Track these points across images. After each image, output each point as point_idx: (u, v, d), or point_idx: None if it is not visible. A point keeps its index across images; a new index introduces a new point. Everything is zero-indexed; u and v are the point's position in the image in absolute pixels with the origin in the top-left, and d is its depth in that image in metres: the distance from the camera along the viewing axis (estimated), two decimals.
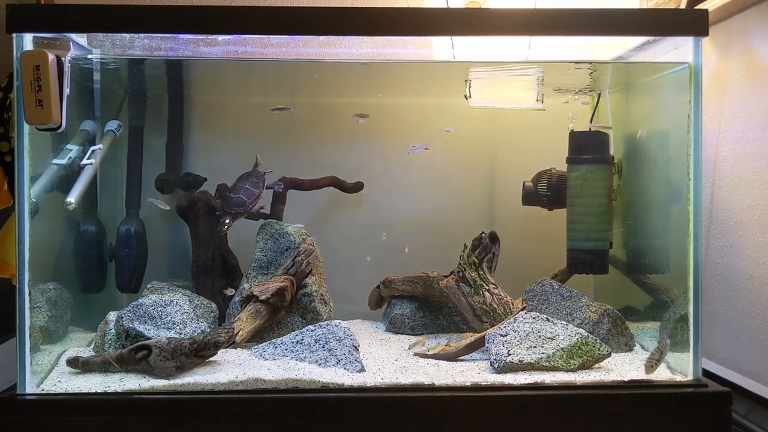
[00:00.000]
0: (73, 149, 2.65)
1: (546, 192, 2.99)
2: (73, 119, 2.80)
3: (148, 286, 2.75)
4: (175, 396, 2.16)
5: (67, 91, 2.23)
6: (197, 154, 3.17)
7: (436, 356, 2.54)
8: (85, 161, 2.63)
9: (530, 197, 3.03)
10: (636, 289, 2.96)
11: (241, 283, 2.78)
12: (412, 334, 2.89)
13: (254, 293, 2.59)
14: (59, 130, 2.22)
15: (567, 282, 2.96)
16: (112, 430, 2.14)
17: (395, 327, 2.88)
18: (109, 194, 3.02)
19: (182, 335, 2.44)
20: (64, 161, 2.58)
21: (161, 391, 2.18)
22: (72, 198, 2.47)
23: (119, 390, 2.18)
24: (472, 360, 2.51)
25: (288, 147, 3.20)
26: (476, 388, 2.24)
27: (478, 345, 2.50)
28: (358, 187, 3.16)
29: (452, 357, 2.52)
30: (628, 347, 2.64)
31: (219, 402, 2.16)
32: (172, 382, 2.19)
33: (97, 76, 2.74)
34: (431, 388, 2.24)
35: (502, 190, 3.22)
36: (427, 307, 2.91)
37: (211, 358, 2.33)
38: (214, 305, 2.76)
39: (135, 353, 2.26)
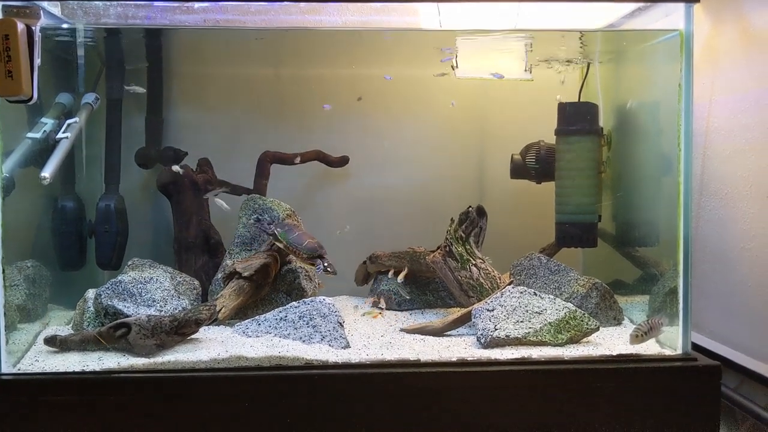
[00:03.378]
0: (48, 123, 2.58)
1: (534, 165, 2.96)
2: (48, 92, 2.71)
3: (129, 263, 2.70)
4: (155, 374, 2.11)
5: (38, 61, 2.14)
6: (178, 127, 3.10)
7: (422, 331, 2.49)
8: (60, 135, 2.55)
9: (518, 170, 3.01)
10: (625, 263, 2.93)
11: (224, 260, 2.74)
12: (399, 310, 2.86)
13: (237, 270, 2.56)
14: (30, 102, 2.13)
15: (555, 256, 2.93)
16: (91, 410, 2.08)
17: (382, 303, 2.86)
18: (88, 169, 2.94)
19: (163, 313, 2.39)
20: (38, 135, 2.51)
21: (141, 369, 2.13)
22: (47, 173, 2.39)
23: (98, 369, 2.12)
24: (459, 335, 2.48)
25: (272, 120, 3.15)
26: (462, 363, 2.20)
27: (464, 320, 2.47)
28: (343, 161, 3.10)
29: (439, 332, 2.48)
30: (617, 321, 2.62)
31: (200, 380, 2.11)
32: (152, 360, 2.14)
33: (81, 52, 2.66)
34: (417, 364, 2.20)
35: (491, 164, 3.18)
36: (413, 282, 2.88)
37: (192, 336, 2.30)
38: (196, 282, 2.71)
39: (114, 331, 2.21)
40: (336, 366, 2.17)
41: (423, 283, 2.88)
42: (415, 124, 3.17)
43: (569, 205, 2.82)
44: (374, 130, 3.16)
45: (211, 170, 2.94)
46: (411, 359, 2.21)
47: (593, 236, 2.83)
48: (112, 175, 2.91)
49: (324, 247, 2.54)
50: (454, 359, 2.21)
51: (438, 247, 2.70)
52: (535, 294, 2.42)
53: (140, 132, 3.05)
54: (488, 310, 2.37)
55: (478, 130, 3.22)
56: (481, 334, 2.31)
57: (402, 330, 2.53)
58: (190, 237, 2.86)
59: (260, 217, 2.67)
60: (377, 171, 3.17)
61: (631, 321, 2.66)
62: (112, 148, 2.92)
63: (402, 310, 2.85)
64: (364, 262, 3.02)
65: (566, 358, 2.23)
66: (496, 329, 2.30)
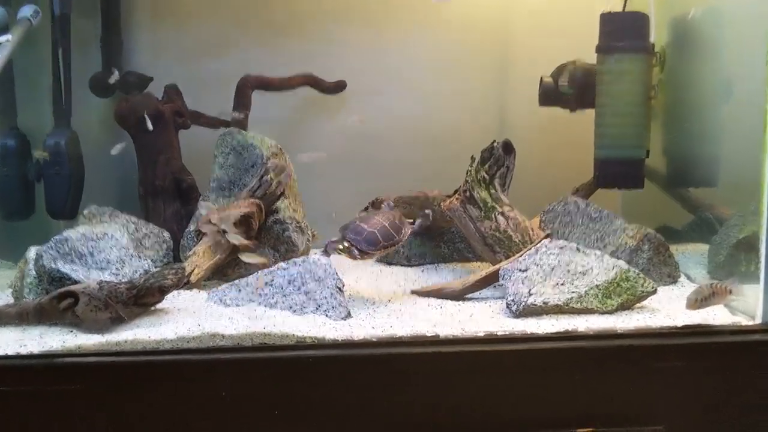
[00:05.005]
0: None
1: (568, 89, 2.56)
2: None
3: (85, 212, 2.39)
4: (108, 358, 1.72)
5: None
6: (140, 48, 2.72)
7: (438, 294, 2.12)
8: None
9: (549, 96, 2.60)
10: (671, 206, 2.60)
11: (198, 209, 2.37)
12: (408, 266, 2.50)
13: (212, 221, 2.20)
14: None
15: (590, 198, 2.53)
16: (29, 402, 1.69)
17: (387, 257, 2.50)
18: (34, 100, 2.56)
19: (119, 277, 2.05)
20: None
21: (91, 351, 1.73)
22: None
23: (37, 351, 1.72)
24: (483, 299, 2.10)
25: (253, 36, 2.74)
26: (491, 339, 1.81)
27: (490, 280, 2.09)
28: (339, 86, 2.75)
29: (458, 295, 2.11)
30: (672, 279, 2.23)
31: (165, 364, 1.73)
32: (105, 339, 1.75)
33: None
34: (435, 341, 1.80)
35: (515, 89, 2.83)
36: (425, 233, 2.49)
37: (156, 306, 1.94)
38: (166, 234, 2.40)
39: (57, 302, 1.84)
40: (334, 345, 1.78)
41: (436, 233, 2.51)
42: (424, 43, 2.79)
43: (612, 138, 2.43)
44: (376, 52, 2.79)
45: (181, 99, 2.57)
46: (427, 335, 1.81)
47: (640, 175, 2.44)
48: (61, 106, 2.50)
49: (388, 236, 2.02)
50: (480, 334, 1.82)
51: (455, 191, 2.30)
52: (578, 249, 2.01)
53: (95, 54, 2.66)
54: (520, 270, 1.98)
55: (499, 48, 2.82)
56: (512, 300, 1.92)
57: (413, 292, 2.16)
58: (157, 180, 2.49)
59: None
60: (380, 99, 2.79)
61: (688, 278, 2.27)
62: (61, 74, 2.50)
63: (411, 266, 2.49)
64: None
65: (620, 331, 1.83)
66: (530, 294, 1.92)
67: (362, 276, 2.36)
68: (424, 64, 2.80)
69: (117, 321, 1.83)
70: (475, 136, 2.49)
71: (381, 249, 2.02)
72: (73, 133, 2.49)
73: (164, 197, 2.48)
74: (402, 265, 2.48)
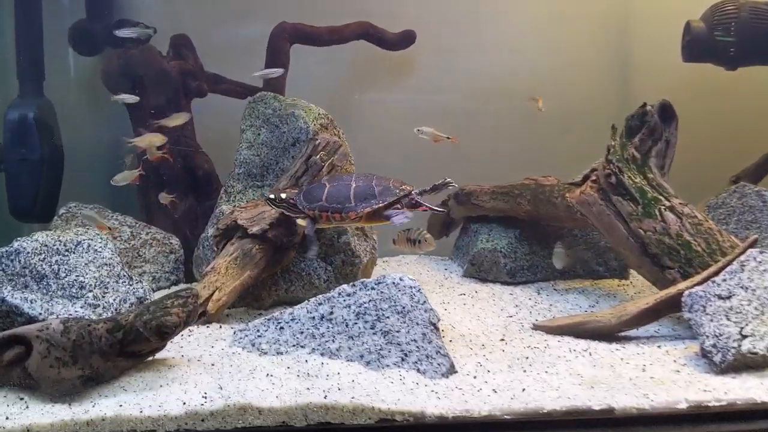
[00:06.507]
0: None
1: (727, 37, 2.12)
2: None
3: (61, 211, 2.01)
4: None
5: None
6: None
7: (578, 331, 1.50)
8: None
9: (699, 47, 2.16)
10: None
11: (218, 204, 1.99)
12: (512, 283, 1.92)
13: (239, 223, 1.78)
14: None
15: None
16: None
17: (481, 271, 2.01)
18: None
19: (98, 311, 1.57)
20: None
21: None
22: None
23: None
24: (649, 338, 1.51)
25: None
26: (701, 414, 1.18)
27: (662, 310, 1.49)
28: (406, 39, 2.35)
29: (610, 332, 1.50)
30: None
31: None
32: (72, 412, 1.23)
33: None
34: (608, 419, 1.18)
35: (643, 38, 2.40)
36: (534, 236, 2.02)
37: (155, 356, 1.44)
38: (175, 241, 2.04)
39: (0, 353, 1.37)
40: (442, 425, 1.18)
41: (553, 238, 1.99)
42: None
43: None
44: None
45: (193, 54, 2.22)
46: (593, 408, 1.18)
47: None
48: (29, 68, 2.16)
49: (337, 199, 1.58)
50: (681, 406, 1.19)
51: (586, 177, 1.75)
52: None
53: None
54: (720, 296, 1.40)
55: None
56: (714, 346, 1.34)
57: (537, 327, 1.58)
58: (162, 167, 2.14)
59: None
60: (460, 56, 2.44)
61: None
62: (28, 24, 2.16)
63: (516, 283, 1.97)
64: (446, 201, 2.21)
65: None
66: (743, 335, 1.33)
67: (451, 300, 1.79)
68: (523, 12, 2.41)
69: (91, 382, 1.33)
70: (589, 106, 2.18)
71: (319, 211, 1.58)
72: (45, 102, 2.13)
73: (172, 190, 2.13)
74: (503, 283, 1.94)
